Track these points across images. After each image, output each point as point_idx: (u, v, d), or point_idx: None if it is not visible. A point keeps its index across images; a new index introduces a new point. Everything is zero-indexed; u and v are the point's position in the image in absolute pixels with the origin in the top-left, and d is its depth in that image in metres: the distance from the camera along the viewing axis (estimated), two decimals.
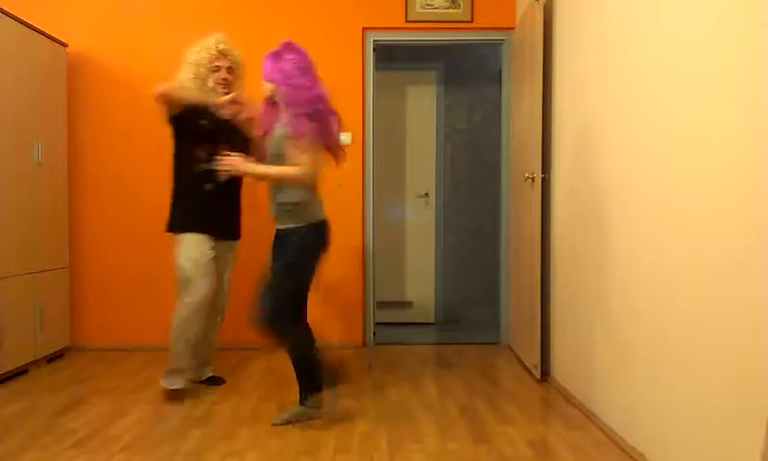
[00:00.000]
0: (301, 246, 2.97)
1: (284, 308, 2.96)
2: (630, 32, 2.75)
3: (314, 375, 3.04)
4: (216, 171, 3.10)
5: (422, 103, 5.74)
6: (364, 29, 4.69)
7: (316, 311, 3.59)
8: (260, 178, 3.11)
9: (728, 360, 2.01)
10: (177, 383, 3.37)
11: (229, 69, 3.42)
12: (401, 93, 5.70)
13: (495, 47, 5.02)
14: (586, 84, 3.27)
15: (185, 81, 3.36)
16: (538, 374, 3.80)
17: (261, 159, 3.05)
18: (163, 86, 3.25)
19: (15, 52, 3.83)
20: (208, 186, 3.33)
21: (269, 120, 3.04)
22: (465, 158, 5.81)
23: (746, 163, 1.92)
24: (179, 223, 3.39)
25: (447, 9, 4.68)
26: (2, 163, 3.69)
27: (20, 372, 3.87)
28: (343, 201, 4.64)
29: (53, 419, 3.09)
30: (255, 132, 3.19)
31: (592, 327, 3.15)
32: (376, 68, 4.76)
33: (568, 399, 3.44)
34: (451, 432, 2.94)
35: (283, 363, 4.14)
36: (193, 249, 3.32)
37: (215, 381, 3.69)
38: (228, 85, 3.40)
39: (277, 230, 3.04)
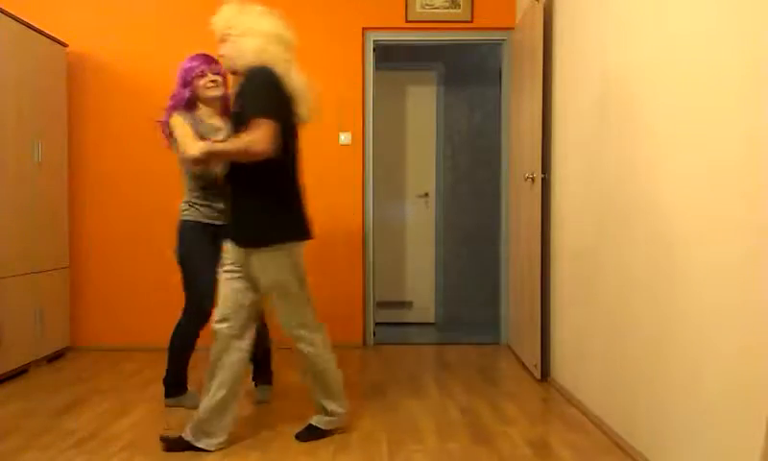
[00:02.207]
0: None
1: None
2: (630, 32, 2.75)
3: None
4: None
5: (422, 103, 5.74)
6: (364, 29, 4.69)
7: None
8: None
9: (728, 360, 2.01)
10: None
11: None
12: (401, 93, 5.70)
13: (495, 47, 5.02)
14: (586, 85, 3.27)
15: None
16: (538, 374, 3.80)
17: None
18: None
19: (15, 52, 3.83)
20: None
21: None
22: (465, 158, 5.81)
23: (747, 163, 1.92)
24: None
25: (447, 9, 4.68)
26: (2, 163, 3.70)
27: (20, 372, 3.88)
28: (343, 201, 4.65)
29: (53, 419, 3.09)
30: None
31: (592, 327, 3.15)
32: (376, 68, 4.76)
33: (568, 399, 3.44)
34: (451, 432, 2.95)
35: (282, 363, 4.16)
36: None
37: None
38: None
39: (215, 226, 3.12)
